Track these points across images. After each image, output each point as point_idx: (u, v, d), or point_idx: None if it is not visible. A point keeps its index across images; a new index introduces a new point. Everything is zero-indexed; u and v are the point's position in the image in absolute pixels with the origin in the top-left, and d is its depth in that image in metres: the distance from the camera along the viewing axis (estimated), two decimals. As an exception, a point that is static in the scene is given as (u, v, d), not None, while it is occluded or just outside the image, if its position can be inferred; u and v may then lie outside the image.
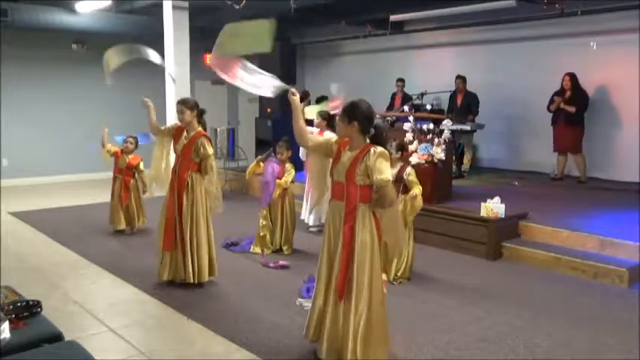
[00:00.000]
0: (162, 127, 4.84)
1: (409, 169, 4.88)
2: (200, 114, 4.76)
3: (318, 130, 6.43)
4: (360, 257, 3.16)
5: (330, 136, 6.26)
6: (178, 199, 4.67)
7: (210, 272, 4.80)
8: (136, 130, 6.83)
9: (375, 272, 3.19)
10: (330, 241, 3.30)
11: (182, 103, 4.68)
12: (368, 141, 3.21)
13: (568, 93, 8.02)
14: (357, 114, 3.17)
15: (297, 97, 3.33)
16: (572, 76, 8.00)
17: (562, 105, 7.97)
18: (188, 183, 4.65)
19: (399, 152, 4.98)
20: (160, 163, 4.85)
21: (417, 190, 4.74)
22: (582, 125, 8.06)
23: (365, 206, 3.18)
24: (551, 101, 8.16)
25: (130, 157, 6.55)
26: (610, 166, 8.32)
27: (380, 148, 3.14)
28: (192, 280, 4.64)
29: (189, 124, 4.69)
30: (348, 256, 3.17)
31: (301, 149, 6.26)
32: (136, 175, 6.57)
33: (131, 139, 6.56)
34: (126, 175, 6.53)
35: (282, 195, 5.74)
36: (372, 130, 3.21)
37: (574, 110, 7.92)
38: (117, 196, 6.52)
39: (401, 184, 4.83)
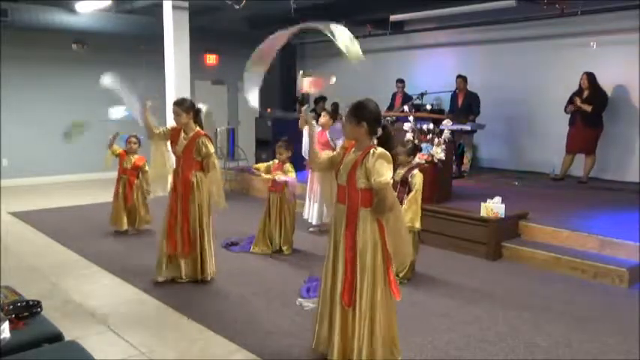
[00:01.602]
0: (157, 131, 4.79)
1: (415, 171, 4.87)
2: (196, 114, 4.76)
3: (320, 129, 6.41)
4: (361, 262, 3.09)
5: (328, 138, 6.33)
6: (183, 199, 4.68)
7: (211, 271, 4.88)
8: (135, 129, 6.81)
9: (377, 276, 3.11)
10: (334, 245, 3.23)
11: (178, 105, 4.67)
12: (375, 142, 3.11)
13: (586, 92, 7.95)
14: (365, 114, 3.07)
15: (312, 125, 3.39)
16: (590, 76, 7.90)
17: (579, 104, 7.87)
18: (193, 182, 4.68)
19: (411, 156, 4.96)
20: (160, 163, 4.86)
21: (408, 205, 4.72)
22: (601, 125, 7.98)
23: (366, 211, 3.09)
24: (570, 102, 8.09)
25: (135, 157, 6.51)
26: (622, 167, 8.26)
27: (380, 149, 3.04)
28: (199, 278, 4.77)
29: (186, 125, 4.69)
30: (351, 261, 3.11)
31: (303, 146, 6.29)
32: (140, 175, 6.52)
33: (134, 139, 6.50)
34: (130, 175, 6.50)
35: (282, 195, 5.74)
36: (380, 131, 3.12)
37: (590, 109, 7.83)
38: (121, 196, 6.50)
39: (407, 186, 4.83)
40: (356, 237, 3.10)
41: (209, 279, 4.83)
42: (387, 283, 3.17)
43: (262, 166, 5.86)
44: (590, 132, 7.97)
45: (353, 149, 3.17)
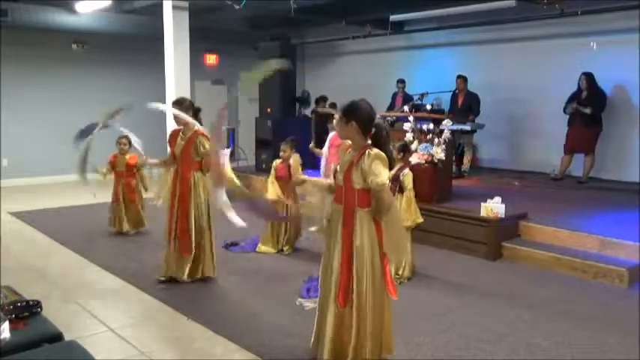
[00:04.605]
0: (168, 159, 4.90)
1: (407, 170, 4.88)
2: (195, 113, 4.75)
3: (334, 133, 6.33)
4: (358, 262, 3.07)
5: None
6: (182, 200, 4.68)
7: (212, 270, 4.87)
8: (135, 129, 6.79)
9: (375, 277, 3.10)
10: (331, 245, 3.22)
11: (177, 105, 4.67)
12: (369, 142, 3.10)
13: (585, 93, 7.95)
14: (355, 114, 3.06)
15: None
16: (589, 76, 7.91)
17: (579, 108, 7.89)
18: (192, 183, 4.68)
19: (401, 153, 4.97)
20: (165, 187, 4.90)
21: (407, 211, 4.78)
22: (600, 125, 7.98)
23: (363, 211, 3.08)
24: (569, 103, 8.07)
25: (127, 157, 6.44)
26: (621, 167, 8.25)
27: (375, 150, 3.02)
28: (198, 276, 4.77)
29: (185, 125, 4.69)
30: (347, 262, 3.10)
31: (324, 151, 6.28)
32: (137, 174, 6.48)
33: (124, 140, 6.38)
34: (127, 176, 6.46)
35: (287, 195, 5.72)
36: (373, 130, 3.10)
37: (589, 111, 7.86)
38: (120, 198, 6.44)
39: (397, 183, 4.84)
40: (353, 237, 3.09)
41: (208, 277, 4.83)
42: (385, 282, 3.16)
43: (271, 179, 5.76)
44: (590, 132, 7.97)
45: (349, 150, 3.18)
